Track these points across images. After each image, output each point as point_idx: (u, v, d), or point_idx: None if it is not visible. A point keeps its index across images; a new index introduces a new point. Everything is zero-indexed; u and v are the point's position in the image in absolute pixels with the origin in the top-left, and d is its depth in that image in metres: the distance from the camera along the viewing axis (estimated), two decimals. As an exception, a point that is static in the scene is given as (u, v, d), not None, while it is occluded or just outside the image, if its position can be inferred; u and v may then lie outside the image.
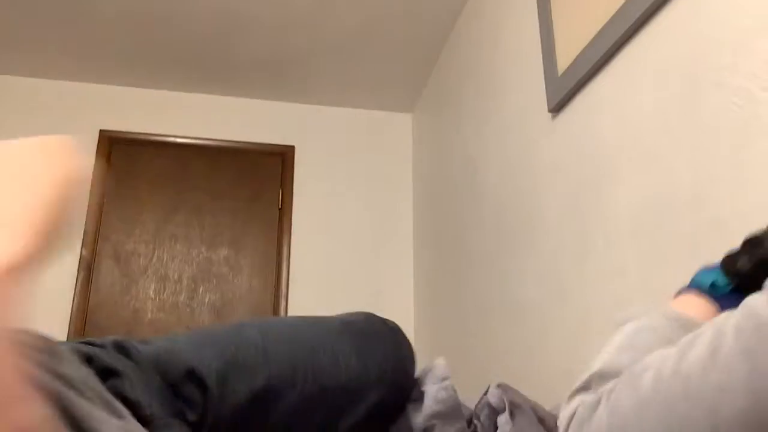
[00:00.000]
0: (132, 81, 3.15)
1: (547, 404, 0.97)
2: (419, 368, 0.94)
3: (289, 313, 2.99)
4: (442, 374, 0.89)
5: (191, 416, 0.71)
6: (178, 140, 3.17)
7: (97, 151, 3.05)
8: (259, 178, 3.20)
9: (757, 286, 0.49)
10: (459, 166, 2.57)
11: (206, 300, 2.95)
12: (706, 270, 0.67)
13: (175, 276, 2.97)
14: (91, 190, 2.98)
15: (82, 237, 2.89)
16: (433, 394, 0.86)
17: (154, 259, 2.98)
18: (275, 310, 2.99)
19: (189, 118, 3.21)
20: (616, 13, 1.34)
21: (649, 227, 1.22)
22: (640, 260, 1.24)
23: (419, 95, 3.30)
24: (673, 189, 1.15)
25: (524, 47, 1.93)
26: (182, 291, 2.95)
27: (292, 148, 3.27)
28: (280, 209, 3.15)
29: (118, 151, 3.09)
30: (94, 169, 3.03)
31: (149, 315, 2.87)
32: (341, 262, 3.13)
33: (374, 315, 0.93)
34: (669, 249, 1.15)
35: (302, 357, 0.79)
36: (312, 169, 3.26)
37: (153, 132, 3.15)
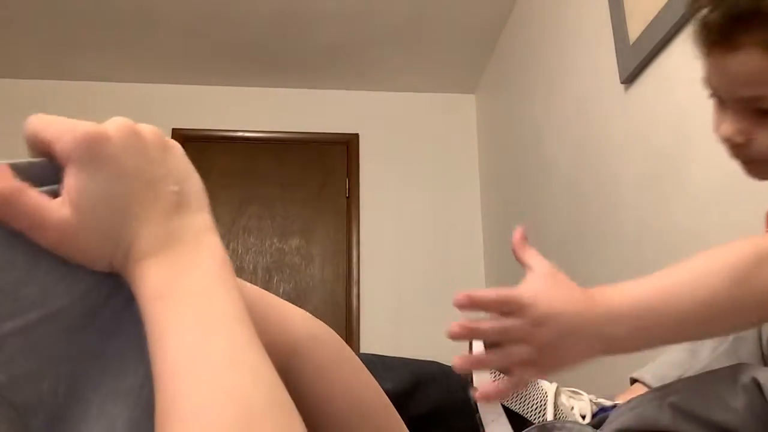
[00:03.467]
0: (199, 79, 3.25)
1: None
2: None
3: (362, 300, 3.03)
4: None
5: None
6: (246, 134, 3.25)
7: (171, 150, 3.16)
8: (326, 168, 3.24)
9: None
10: (526, 144, 2.51)
11: (281, 290, 3.03)
12: None
13: (250, 267, 3.06)
14: (167, 188, 3.10)
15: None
16: None
17: (230, 252, 3.07)
18: (348, 297, 3.03)
19: (254, 112, 3.28)
20: (691, -26, 1.27)
21: (732, 200, 1.16)
22: (723, 234, 1.18)
23: (481, 75, 3.24)
24: (760, 158, 1.09)
25: (592, 17, 1.86)
26: (257, 282, 3.03)
27: (356, 136, 3.29)
28: (347, 197, 3.19)
29: (191, 149, 3.15)
30: (169, 167, 3.15)
31: (228, 305, 2.97)
32: (410, 247, 3.14)
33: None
34: (754, 222, 1.09)
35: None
36: (377, 156, 3.27)
37: (222, 128, 3.24)
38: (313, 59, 3.07)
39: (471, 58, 3.09)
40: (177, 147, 0.43)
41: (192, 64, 3.11)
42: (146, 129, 0.41)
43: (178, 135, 3.19)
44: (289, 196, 3.17)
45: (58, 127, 0.37)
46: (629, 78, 1.59)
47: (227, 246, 3.08)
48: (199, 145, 3.21)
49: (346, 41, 2.92)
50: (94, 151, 0.36)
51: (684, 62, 1.34)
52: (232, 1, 2.62)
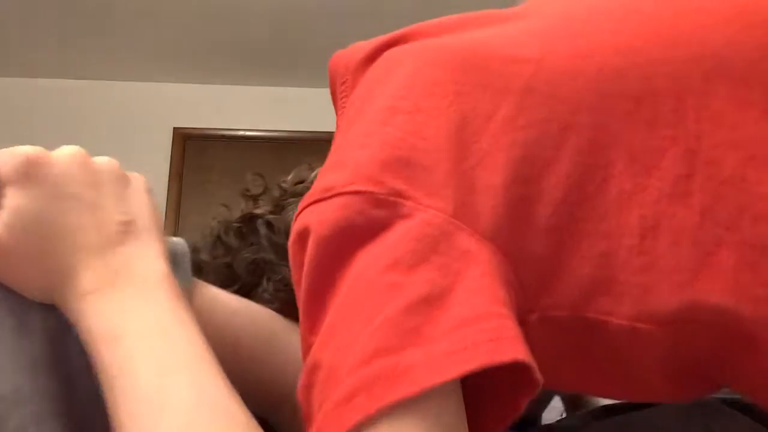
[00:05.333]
0: (200, 78, 3.24)
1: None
2: None
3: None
4: None
5: None
6: (247, 133, 3.24)
7: (172, 148, 3.16)
8: (327, 167, 3.23)
9: None
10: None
11: (282, 288, 3.02)
12: None
13: (251, 266, 3.05)
14: (169, 187, 3.10)
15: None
16: None
17: (231, 251, 3.07)
18: (349, 296, 3.03)
19: (255, 110, 3.28)
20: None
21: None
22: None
23: (483, 73, 3.22)
24: None
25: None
26: (258, 280, 3.03)
27: (357, 135, 3.28)
28: (348, 196, 3.18)
29: (192, 148, 3.19)
30: (171, 166, 3.14)
31: (229, 304, 2.97)
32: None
33: None
34: None
35: None
36: (378, 155, 3.26)
37: (223, 127, 3.23)
38: (314, 58, 3.06)
39: (472, 56, 3.07)
40: (138, 181, 0.41)
41: (193, 62, 3.10)
42: (101, 160, 0.40)
43: (179, 134, 3.19)
44: (290, 195, 3.17)
45: (2, 154, 0.36)
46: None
47: (228, 245, 3.08)
48: (199, 143, 3.21)
49: (347, 40, 2.89)
50: (32, 172, 0.35)
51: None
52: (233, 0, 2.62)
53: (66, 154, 0.38)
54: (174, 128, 3.19)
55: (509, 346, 0.28)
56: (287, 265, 0.44)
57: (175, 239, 0.47)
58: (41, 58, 3.03)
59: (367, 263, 0.32)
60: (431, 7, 2.68)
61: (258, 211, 0.63)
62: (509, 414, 0.32)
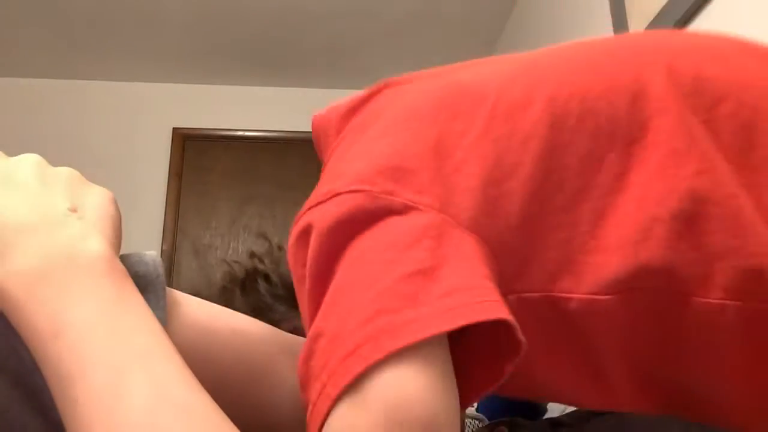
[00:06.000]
0: (200, 78, 3.24)
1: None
2: None
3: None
4: None
5: None
6: (247, 134, 3.25)
7: (172, 149, 3.16)
8: (326, 167, 3.23)
9: None
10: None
11: (281, 288, 3.02)
12: None
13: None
14: (168, 187, 3.10)
15: (162, 232, 3.02)
16: None
17: (230, 251, 3.08)
18: (348, 297, 3.03)
19: (255, 111, 3.28)
20: (692, -26, 1.27)
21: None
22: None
23: (482, 74, 3.23)
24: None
25: (592, 17, 1.86)
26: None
27: (356, 136, 3.28)
28: (348, 197, 3.18)
29: (191, 148, 3.20)
30: (170, 166, 3.14)
31: (228, 305, 2.97)
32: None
33: None
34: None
35: None
36: (377, 156, 3.26)
37: (222, 127, 3.24)
38: (314, 58, 3.07)
39: (471, 57, 3.07)
40: (101, 190, 0.38)
41: (192, 63, 3.10)
42: (62, 168, 0.38)
43: (178, 134, 3.19)
44: (290, 195, 3.17)
45: None
46: (630, 78, 1.59)
47: (227, 245, 3.09)
48: (199, 144, 3.21)
49: (347, 40, 2.92)
50: None
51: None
52: (233, 0, 2.62)
53: (22, 156, 0.37)
54: (173, 128, 3.19)
55: (495, 308, 0.33)
56: (283, 307, 0.51)
57: (147, 254, 0.41)
58: (41, 58, 3.03)
59: (366, 245, 0.36)
60: (425, 9, 2.69)
61: (260, 267, 0.76)
62: (494, 379, 0.36)
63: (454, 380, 0.34)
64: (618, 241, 0.38)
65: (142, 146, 3.14)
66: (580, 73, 0.43)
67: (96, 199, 0.37)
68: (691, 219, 0.38)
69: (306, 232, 0.39)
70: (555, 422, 0.64)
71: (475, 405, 0.78)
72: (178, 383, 0.29)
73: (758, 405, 0.40)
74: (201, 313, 0.44)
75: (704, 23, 1.27)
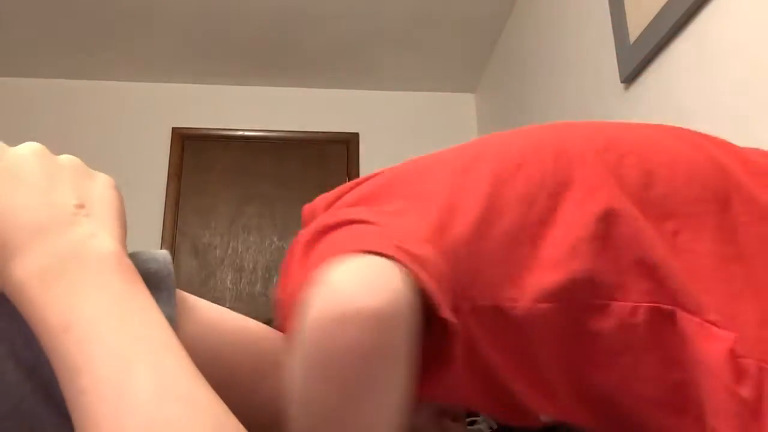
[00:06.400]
0: (199, 78, 3.24)
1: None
2: None
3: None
4: None
5: None
6: (246, 133, 3.25)
7: (171, 149, 3.16)
8: (326, 167, 3.24)
9: None
10: (526, 144, 2.52)
11: (280, 288, 3.02)
12: None
13: (250, 266, 3.06)
14: (168, 187, 3.10)
15: (161, 231, 3.02)
16: None
17: (230, 251, 3.08)
18: (347, 296, 3.03)
19: (254, 111, 3.28)
20: (692, -27, 1.27)
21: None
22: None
23: (481, 75, 3.24)
24: (761, 157, 1.09)
25: (592, 17, 1.86)
26: (257, 281, 3.03)
27: (356, 135, 3.29)
28: (347, 196, 3.18)
29: (190, 148, 3.20)
30: (169, 166, 3.14)
31: (228, 305, 2.97)
32: (410, 247, 3.13)
33: None
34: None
35: None
36: (377, 155, 3.27)
37: (222, 127, 3.24)
38: (313, 58, 3.07)
39: (471, 57, 3.08)
40: (102, 177, 0.39)
41: (192, 63, 3.10)
42: (65, 157, 0.38)
43: (178, 134, 3.19)
44: (289, 195, 3.17)
45: None
46: (629, 77, 1.59)
47: (227, 245, 3.10)
48: (198, 144, 3.21)
49: (346, 40, 2.92)
50: None
51: (685, 62, 1.34)
52: (233, 1, 2.62)
53: (24, 146, 0.37)
54: (173, 128, 3.19)
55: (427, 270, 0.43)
56: None
57: (157, 252, 0.42)
58: (41, 58, 3.03)
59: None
60: (425, 9, 2.69)
61: None
62: (445, 361, 0.44)
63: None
64: (553, 259, 0.48)
65: (141, 146, 3.14)
66: (516, 144, 0.56)
67: (100, 189, 0.38)
68: (605, 237, 0.48)
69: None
70: (549, 428, 0.64)
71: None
72: (182, 376, 0.30)
73: (664, 412, 0.47)
74: (209, 311, 0.46)
75: (704, 23, 1.27)
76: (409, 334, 0.39)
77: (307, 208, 0.67)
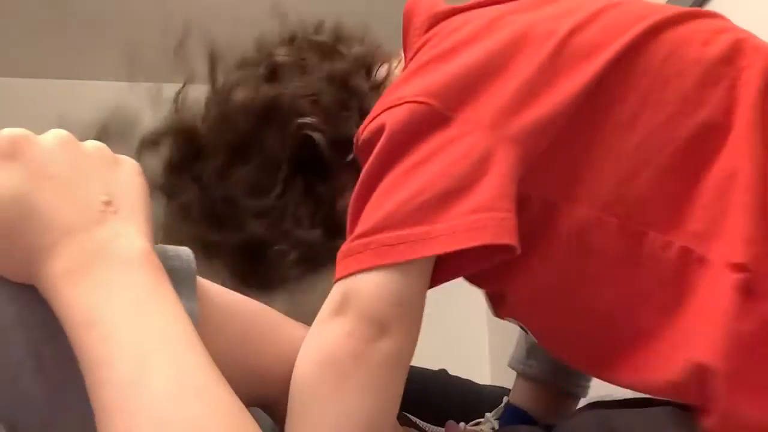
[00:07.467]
0: (199, 78, 3.24)
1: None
2: None
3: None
4: None
5: None
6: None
7: (171, 149, 3.16)
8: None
9: None
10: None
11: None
12: None
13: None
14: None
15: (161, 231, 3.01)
16: None
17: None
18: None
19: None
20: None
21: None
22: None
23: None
24: None
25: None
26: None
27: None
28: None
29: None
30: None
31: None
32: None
33: None
34: None
35: None
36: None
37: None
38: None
39: (471, 57, 3.08)
40: (128, 163, 0.40)
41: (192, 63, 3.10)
42: (90, 144, 0.39)
43: (178, 134, 3.18)
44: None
45: None
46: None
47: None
48: (199, 144, 3.20)
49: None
50: (13, 151, 0.36)
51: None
52: (233, 0, 2.62)
53: (51, 136, 0.38)
54: (173, 128, 3.19)
55: (503, 232, 0.43)
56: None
57: (181, 249, 0.43)
58: (42, 58, 3.03)
59: (420, 156, 0.45)
60: (430, 9, 2.69)
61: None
62: (476, 264, 0.46)
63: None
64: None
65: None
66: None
67: (126, 178, 0.39)
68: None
69: (379, 132, 0.47)
70: (549, 426, 0.64)
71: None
72: (199, 372, 0.31)
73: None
74: (231, 296, 0.48)
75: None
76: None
77: (410, 5, 0.66)
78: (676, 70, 0.49)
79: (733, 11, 1.18)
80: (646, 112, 0.48)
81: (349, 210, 0.48)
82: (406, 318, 0.45)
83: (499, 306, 0.56)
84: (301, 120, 0.59)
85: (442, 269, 0.46)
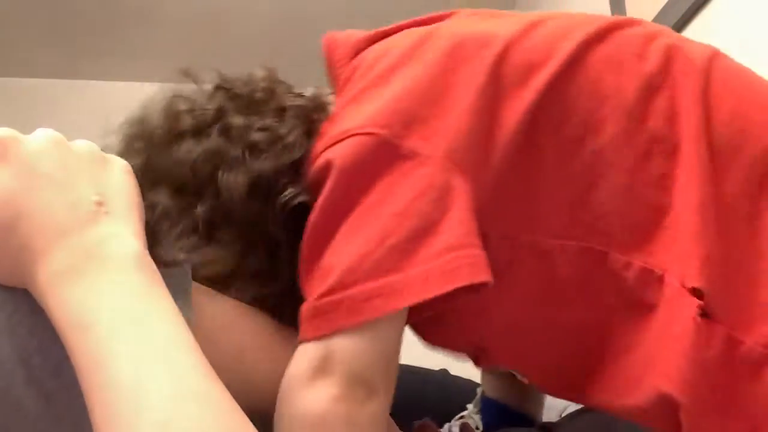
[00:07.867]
0: (199, 78, 3.23)
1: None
2: None
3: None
4: None
5: None
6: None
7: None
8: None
9: None
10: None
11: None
12: None
13: (250, 266, 3.05)
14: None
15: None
16: None
17: (230, 251, 3.07)
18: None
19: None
20: (691, -26, 1.27)
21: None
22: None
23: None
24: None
25: (591, 18, 1.86)
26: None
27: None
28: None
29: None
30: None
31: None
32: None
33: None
34: None
35: None
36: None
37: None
38: (313, 58, 3.06)
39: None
40: (117, 163, 0.39)
41: (191, 63, 3.10)
42: (79, 143, 0.38)
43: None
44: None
45: None
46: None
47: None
48: (199, 144, 3.20)
49: (347, 41, 2.92)
50: (2, 152, 0.35)
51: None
52: (233, 1, 2.62)
53: (40, 136, 0.38)
54: (173, 129, 3.18)
55: (478, 271, 0.42)
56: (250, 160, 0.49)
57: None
58: (41, 58, 3.03)
59: (379, 195, 0.42)
60: (426, 10, 2.68)
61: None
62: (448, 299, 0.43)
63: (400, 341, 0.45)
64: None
65: (141, 146, 3.13)
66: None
67: (116, 177, 0.38)
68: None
69: (326, 169, 0.44)
70: (545, 427, 0.64)
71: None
72: (196, 375, 0.31)
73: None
74: (228, 302, 0.48)
75: (704, 24, 1.27)
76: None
77: (330, 43, 0.62)
78: (614, 87, 0.48)
79: (733, 11, 1.18)
80: (590, 131, 0.47)
81: (303, 254, 0.44)
82: (390, 372, 0.44)
83: (481, 359, 0.56)
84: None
85: (415, 310, 0.44)
